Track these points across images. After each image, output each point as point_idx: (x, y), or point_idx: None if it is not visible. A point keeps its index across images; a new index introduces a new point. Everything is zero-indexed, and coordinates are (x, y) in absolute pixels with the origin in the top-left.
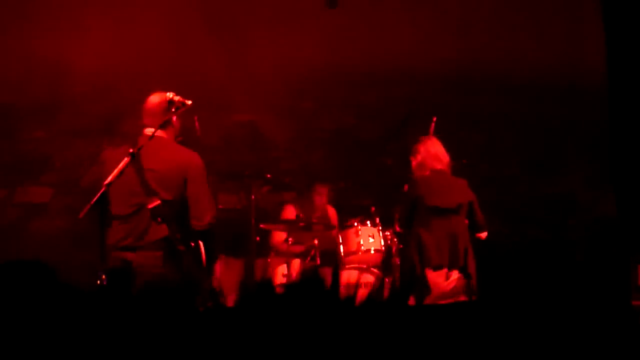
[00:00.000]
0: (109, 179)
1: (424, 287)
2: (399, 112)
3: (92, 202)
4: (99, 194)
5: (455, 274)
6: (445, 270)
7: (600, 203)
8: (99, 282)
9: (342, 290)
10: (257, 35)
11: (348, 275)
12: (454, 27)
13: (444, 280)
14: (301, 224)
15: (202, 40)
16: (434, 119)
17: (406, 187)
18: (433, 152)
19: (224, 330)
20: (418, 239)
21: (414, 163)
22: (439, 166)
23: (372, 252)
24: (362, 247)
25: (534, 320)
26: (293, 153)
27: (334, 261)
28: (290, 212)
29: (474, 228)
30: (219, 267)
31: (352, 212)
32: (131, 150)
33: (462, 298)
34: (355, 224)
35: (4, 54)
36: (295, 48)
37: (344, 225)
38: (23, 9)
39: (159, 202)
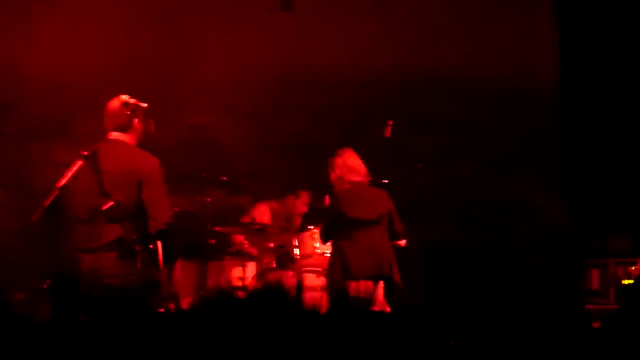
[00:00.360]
0: (62, 181)
1: (349, 298)
2: (355, 115)
3: (46, 205)
4: (51, 197)
5: (380, 284)
6: (370, 281)
7: (553, 207)
8: (45, 286)
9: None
10: (211, 38)
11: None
12: (407, 32)
13: (369, 291)
14: (256, 226)
15: (156, 43)
16: (390, 122)
17: (327, 200)
18: (350, 165)
19: (182, 333)
20: (341, 252)
21: (332, 176)
22: (357, 178)
23: (328, 254)
24: (318, 251)
25: (485, 324)
26: (248, 156)
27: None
28: (261, 213)
29: (393, 236)
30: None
31: (309, 215)
32: (85, 153)
33: (387, 309)
34: (312, 227)
35: None
36: (250, 51)
37: (300, 228)
38: None
39: (112, 203)
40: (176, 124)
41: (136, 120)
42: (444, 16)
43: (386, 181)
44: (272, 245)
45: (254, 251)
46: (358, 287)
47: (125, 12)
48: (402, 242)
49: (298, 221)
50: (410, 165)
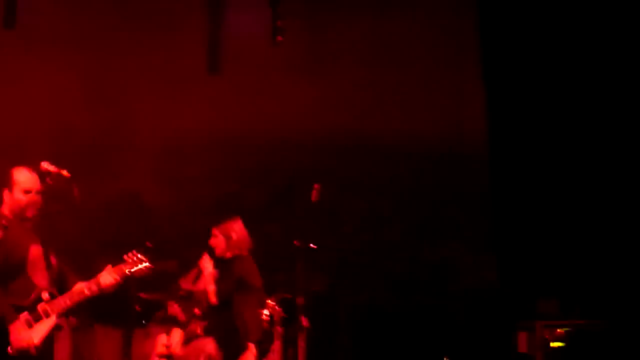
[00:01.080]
0: None
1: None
2: (283, 179)
3: None
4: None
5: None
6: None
7: (482, 269)
8: None
9: None
10: (141, 104)
11: None
12: (337, 94)
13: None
14: (182, 293)
15: (83, 108)
16: (316, 186)
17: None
18: (236, 238)
19: None
20: (240, 315)
21: (225, 244)
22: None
23: None
24: None
25: None
26: (175, 221)
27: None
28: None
29: None
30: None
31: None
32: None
33: None
34: None
35: None
36: (178, 115)
37: None
38: None
39: None
40: (104, 189)
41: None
42: (374, 79)
43: (314, 246)
44: (198, 312)
45: (181, 317)
46: None
47: (55, 79)
48: None
49: None
50: (339, 229)
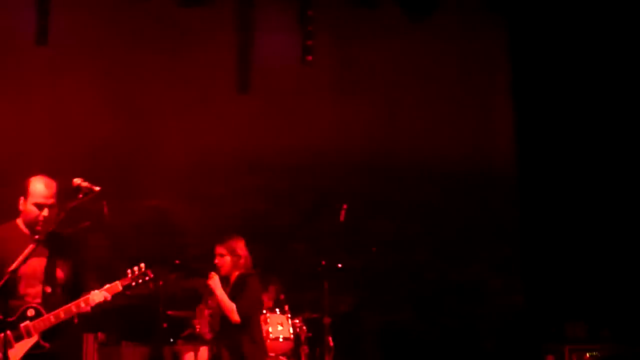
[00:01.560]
0: (14, 265)
1: None
2: (310, 198)
3: None
4: (2, 282)
5: None
6: None
7: (509, 292)
8: None
9: None
10: (170, 122)
11: None
12: (366, 115)
13: None
14: (209, 311)
15: (115, 126)
16: (345, 206)
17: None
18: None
19: None
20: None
21: (231, 262)
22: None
23: (281, 340)
24: (271, 335)
25: None
26: (202, 239)
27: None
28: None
29: None
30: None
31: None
32: (37, 237)
33: None
34: (264, 311)
35: None
36: (207, 133)
37: None
38: None
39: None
40: (132, 206)
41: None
42: (404, 100)
43: (340, 265)
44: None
45: (207, 336)
46: None
47: (85, 96)
48: None
49: None
50: (365, 249)
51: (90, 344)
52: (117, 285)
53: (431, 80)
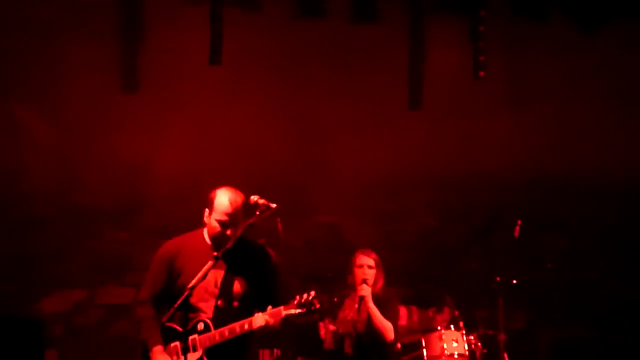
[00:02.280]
0: (194, 281)
1: None
2: (483, 214)
3: (176, 306)
4: (182, 297)
5: None
6: None
7: None
8: None
9: None
10: (340, 139)
11: None
12: (539, 132)
13: None
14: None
15: (286, 143)
16: (519, 222)
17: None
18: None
19: None
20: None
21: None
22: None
23: (456, 356)
24: (446, 352)
25: None
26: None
27: None
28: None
29: None
30: None
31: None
32: (215, 254)
33: None
34: (439, 327)
35: (89, 157)
36: (378, 151)
37: (427, 329)
38: (107, 111)
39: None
40: (304, 223)
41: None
42: (576, 115)
43: (515, 282)
44: (399, 346)
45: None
46: None
47: (259, 115)
48: None
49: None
50: (539, 265)
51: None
52: (280, 312)
53: (605, 94)
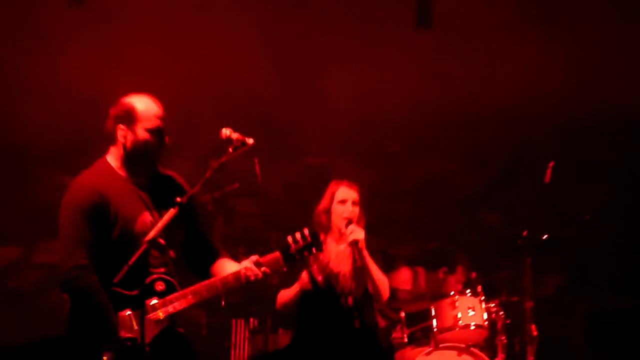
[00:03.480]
0: (152, 233)
1: None
2: (505, 156)
3: (130, 264)
4: (137, 254)
5: None
6: None
7: None
8: None
9: None
10: (333, 64)
11: (442, 359)
12: (567, 57)
13: None
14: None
15: (269, 70)
16: (551, 164)
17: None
18: None
19: None
20: None
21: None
22: None
23: (472, 328)
24: (460, 322)
25: None
26: (374, 205)
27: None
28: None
29: None
30: None
31: None
32: (179, 200)
33: None
34: (452, 292)
35: (25, 85)
36: (379, 79)
37: (437, 295)
38: (48, 28)
39: None
40: (288, 165)
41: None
42: (620, 40)
43: (544, 237)
44: (403, 315)
45: (380, 322)
46: None
47: (235, 31)
48: None
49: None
50: (575, 219)
51: (240, 331)
52: (277, 257)
53: None
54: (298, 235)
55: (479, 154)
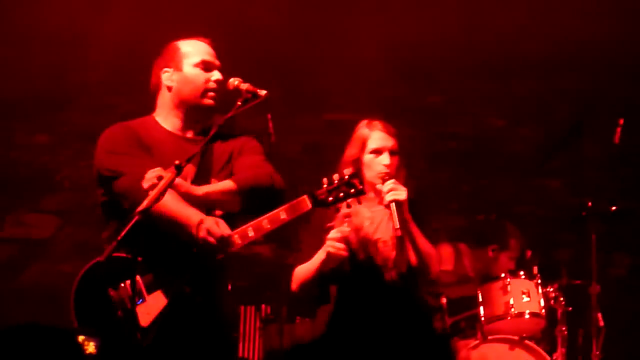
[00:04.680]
0: (146, 203)
1: None
2: (567, 112)
3: (119, 239)
4: (129, 226)
5: None
6: None
7: None
8: None
9: None
10: (361, 4)
11: (491, 353)
12: None
13: None
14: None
15: (284, 11)
16: (621, 121)
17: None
18: None
19: None
20: None
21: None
22: None
23: (527, 316)
24: (513, 310)
25: None
26: (409, 169)
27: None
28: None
29: None
30: None
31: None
32: (177, 162)
33: None
34: (502, 275)
35: None
36: (415, 21)
37: (485, 278)
38: None
39: None
40: (306, 121)
41: None
42: None
43: (613, 209)
44: (444, 301)
45: None
46: None
47: None
48: None
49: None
50: None
51: (250, 321)
52: (305, 201)
53: None
54: (335, 176)
55: (534, 108)
